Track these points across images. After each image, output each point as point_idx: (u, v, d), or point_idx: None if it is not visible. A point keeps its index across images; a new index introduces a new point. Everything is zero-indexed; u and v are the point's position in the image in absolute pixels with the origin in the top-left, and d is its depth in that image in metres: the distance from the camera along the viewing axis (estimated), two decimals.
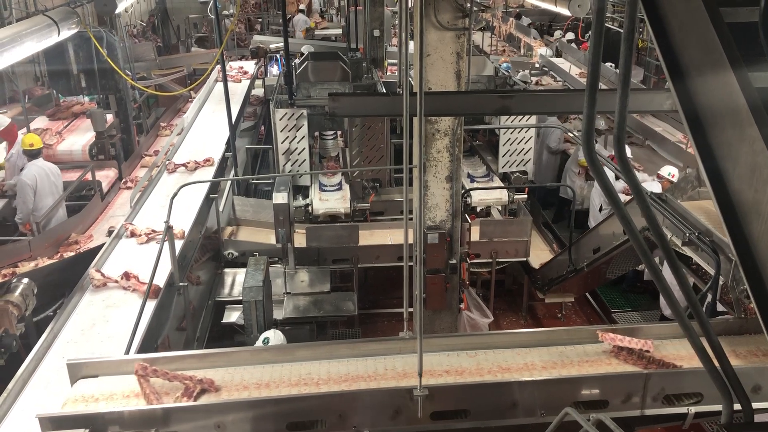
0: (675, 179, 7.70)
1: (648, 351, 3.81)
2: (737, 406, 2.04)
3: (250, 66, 13.74)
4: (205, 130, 9.63)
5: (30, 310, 5.00)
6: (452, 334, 5.80)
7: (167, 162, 8.17)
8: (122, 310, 5.15)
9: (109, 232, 6.86)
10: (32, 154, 7.45)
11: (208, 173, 8.01)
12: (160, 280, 5.34)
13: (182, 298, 5.65)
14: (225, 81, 8.70)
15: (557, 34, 17.45)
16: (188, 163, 8.12)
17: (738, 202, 1.87)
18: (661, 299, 7.66)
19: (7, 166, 8.15)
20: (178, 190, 5.79)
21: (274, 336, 4.97)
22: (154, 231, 6.33)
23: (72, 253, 6.70)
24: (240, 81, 12.42)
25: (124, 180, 8.57)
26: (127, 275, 5.49)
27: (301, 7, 19.41)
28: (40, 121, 10.01)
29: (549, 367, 3.78)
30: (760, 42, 1.93)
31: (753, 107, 1.76)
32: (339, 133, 9.03)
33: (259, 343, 4.96)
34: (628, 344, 3.83)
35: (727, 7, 1.95)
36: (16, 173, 7.73)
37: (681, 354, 3.86)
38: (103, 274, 5.53)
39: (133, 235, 6.34)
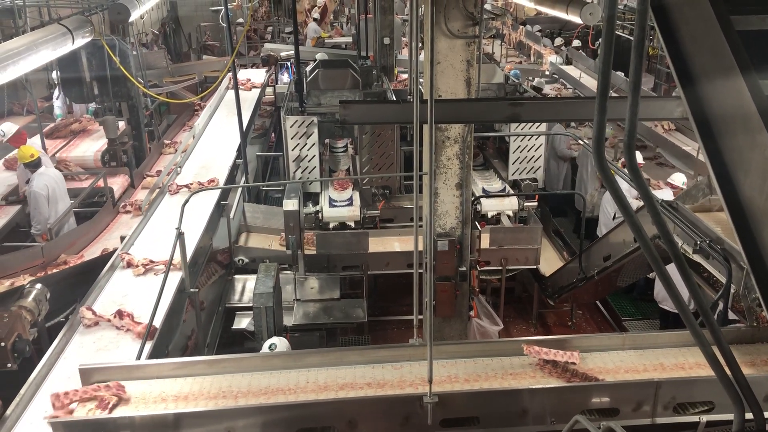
0: (686, 186, 7.73)
1: (573, 363, 3.78)
2: (749, 415, 2.03)
3: (258, 75, 13.76)
4: (214, 139, 9.66)
5: (43, 315, 5.03)
6: (464, 341, 5.79)
7: (170, 183, 7.84)
8: (114, 355, 4.72)
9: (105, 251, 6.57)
10: (34, 165, 7.37)
11: (212, 194, 7.45)
12: (161, 312, 4.99)
13: (193, 305, 5.68)
14: (236, 88, 8.75)
15: (558, 41, 17.40)
16: (191, 184, 7.80)
17: (749, 209, 1.86)
18: (659, 291, 7.60)
19: (19, 173, 8.21)
20: (189, 197, 5.81)
21: (280, 343, 4.95)
22: (152, 261, 5.86)
23: (56, 270, 6.39)
24: (251, 89, 12.47)
25: (123, 204, 8.02)
26: (120, 314, 5.02)
27: (315, 16, 19.43)
28: (37, 139, 9.41)
29: (471, 380, 3.75)
30: None
31: (764, 114, 1.76)
32: (349, 140, 9.05)
33: (265, 348, 4.94)
34: (553, 357, 3.79)
35: (738, 16, 1.95)
36: (25, 180, 7.76)
37: (607, 367, 3.84)
38: (94, 313, 5.06)
39: (129, 265, 5.86)
